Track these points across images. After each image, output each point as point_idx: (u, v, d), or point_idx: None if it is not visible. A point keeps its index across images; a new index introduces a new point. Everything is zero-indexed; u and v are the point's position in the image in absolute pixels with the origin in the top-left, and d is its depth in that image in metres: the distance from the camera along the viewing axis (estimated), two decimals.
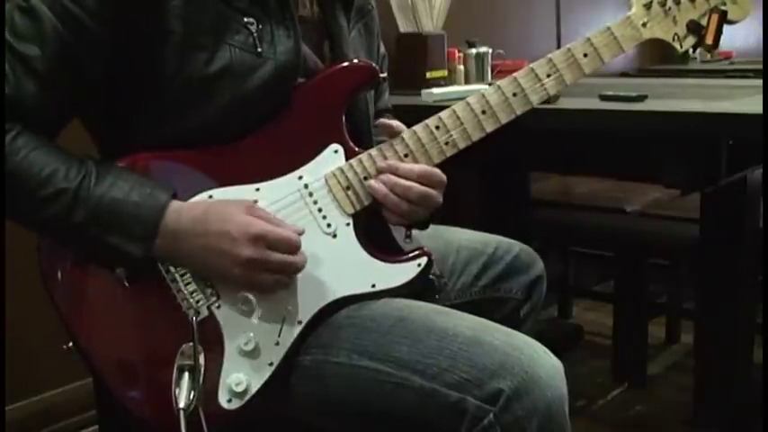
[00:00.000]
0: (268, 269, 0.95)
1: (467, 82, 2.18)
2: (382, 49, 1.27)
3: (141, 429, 1.00)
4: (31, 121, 0.93)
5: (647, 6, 1.08)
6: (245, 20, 0.98)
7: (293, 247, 0.97)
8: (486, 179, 2.39)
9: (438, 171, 1.05)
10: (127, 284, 0.97)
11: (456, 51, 2.19)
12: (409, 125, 1.06)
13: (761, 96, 1.50)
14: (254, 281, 0.96)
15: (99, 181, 0.93)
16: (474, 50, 2.21)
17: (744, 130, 1.39)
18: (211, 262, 0.95)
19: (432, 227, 1.13)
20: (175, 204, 0.95)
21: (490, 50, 2.24)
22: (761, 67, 2.49)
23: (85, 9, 0.91)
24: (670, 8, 1.08)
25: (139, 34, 0.94)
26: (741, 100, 1.62)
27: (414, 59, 2.11)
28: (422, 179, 1.03)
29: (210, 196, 0.99)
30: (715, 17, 1.09)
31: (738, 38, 3.31)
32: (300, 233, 0.98)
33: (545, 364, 0.92)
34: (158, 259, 0.96)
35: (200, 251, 0.95)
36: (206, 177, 1.00)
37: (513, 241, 1.28)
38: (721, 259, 1.77)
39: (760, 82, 1.94)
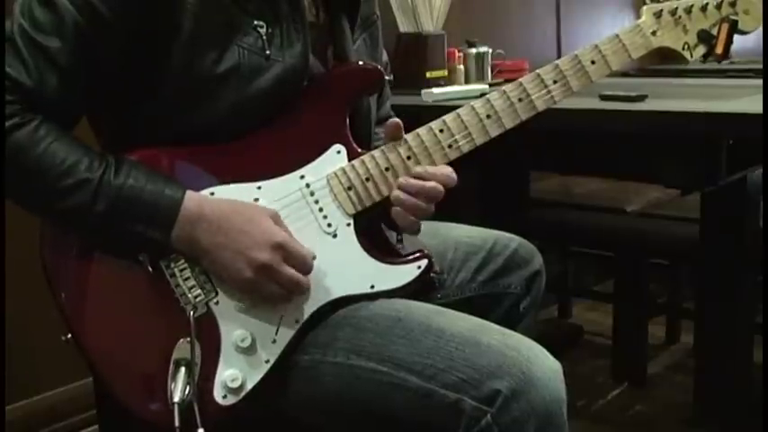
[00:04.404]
0: (277, 280, 0.96)
1: (467, 82, 2.18)
2: (384, 56, 1.27)
3: (141, 429, 1.00)
4: (51, 112, 0.94)
5: (657, 15, 1.07)
6: (255, 23, 0.99)
7: (306, 266, 0.98)
8: (486, 179, 2.39)
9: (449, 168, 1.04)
10: (151, 270, 0.97)
11: (456, 51, 2.19)
12: (409, 125, 1.06)
13: (761, 96, 1.49)
14: (260, 288, 0.96)
15: (117, 171, 0.94)
16: (474, 50, 2.21)
17: (744, 130, 1.38)
18: (225, 260, 0.95)
19: (429, 223, 1.12)
20: (194, 193, 0.96)
21: (490, 50, 2.24)
22: (761, 67, 2.49)
23: (105, 1, 0.92)
24: (680, 17, 1.07)
25: (152, 29, 0.94)
26: (741, 100, 1.61)
27: (414, 59, 2.11)
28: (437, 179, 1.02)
29: (212, 193, 0.99)
30: (726, 27, 1.08)
31: (738, 38, 3.30)
32: (313, 258, 0.98)
33: (543, 365, 0.92)
34: (174, 246, 0.96)
35: (217, 247, 0.95)
36: (208, 174, 1.00)
37: (511, 236, 1.28)
38: (721, 259, 1.77)
39: (760, 82, 1.94)
